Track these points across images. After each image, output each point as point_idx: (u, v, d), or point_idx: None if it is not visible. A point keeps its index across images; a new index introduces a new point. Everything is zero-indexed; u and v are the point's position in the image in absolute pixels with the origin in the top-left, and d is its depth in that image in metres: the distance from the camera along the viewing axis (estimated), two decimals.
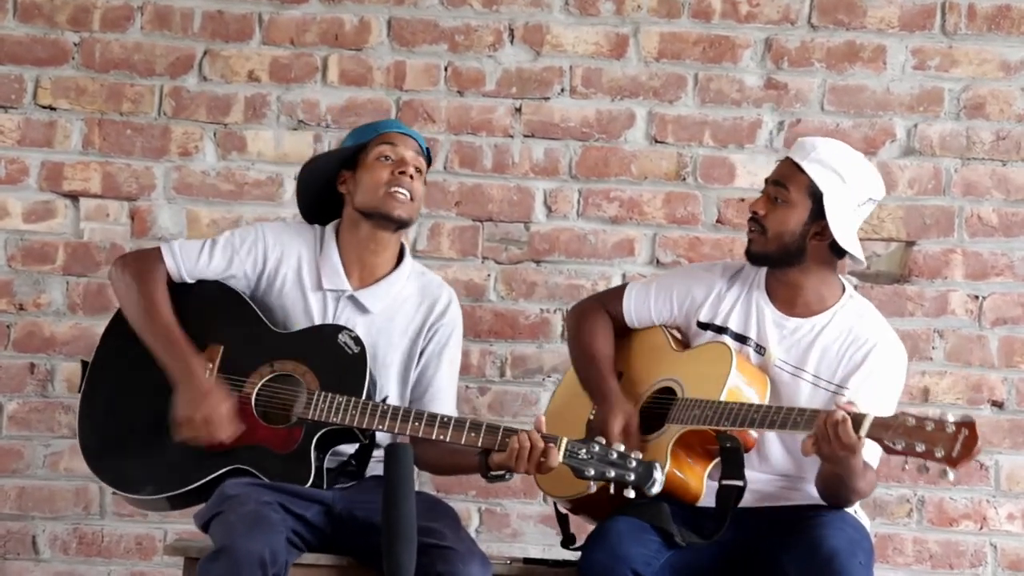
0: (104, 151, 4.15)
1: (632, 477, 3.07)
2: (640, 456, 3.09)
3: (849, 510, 3.31)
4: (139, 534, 4.07)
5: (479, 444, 3.16)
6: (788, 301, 3.34)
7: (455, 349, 3.46)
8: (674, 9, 4.15)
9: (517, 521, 4.07)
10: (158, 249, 3.39)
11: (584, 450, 3.09)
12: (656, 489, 3.07)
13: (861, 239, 3.32)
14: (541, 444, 3.10)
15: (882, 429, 2.99)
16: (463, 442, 3.17)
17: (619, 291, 3.52)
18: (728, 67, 4.15)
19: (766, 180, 3.34)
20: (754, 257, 3.34)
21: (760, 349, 3.33)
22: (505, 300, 4.13)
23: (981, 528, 4.04)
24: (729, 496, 3.20)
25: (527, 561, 3.49)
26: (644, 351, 3.45)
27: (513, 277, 4.13)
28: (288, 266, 3.40)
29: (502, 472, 3.18)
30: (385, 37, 4.17)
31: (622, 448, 3.10)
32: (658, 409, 3.33)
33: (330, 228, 3.45)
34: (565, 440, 3.10)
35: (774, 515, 3.27)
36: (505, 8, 4.16)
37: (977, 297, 4.09)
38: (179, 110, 4.15)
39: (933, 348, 4.08)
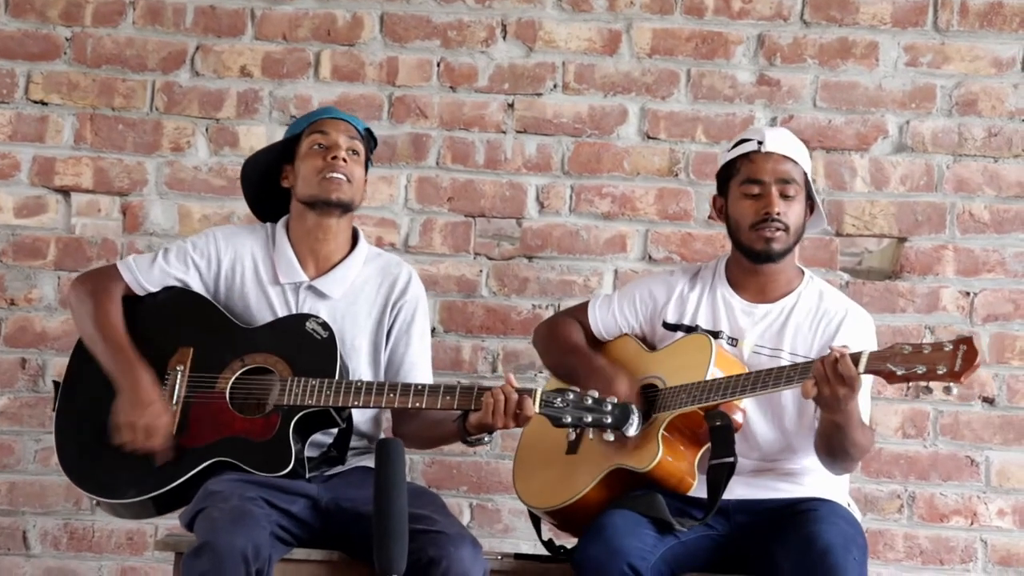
0: (96, 146, 4.15)
1: (610, 420, 3.10)
2: (616, 400, 3.12)
3: (842, 503, 3.32)
4: (130, 529, 4.06)
5: (455, 406, 3.19)
6: (757, 290, 3.40)
7: (423, 323, 3.49)
8: (667, 5, 4.15)
9: (508, 517, 4.07)
10: (115, 266, 3.44)
11: (559, 399, 3.13)
12: (634, 430, 3.11)
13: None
14: (515, 396, 3.13)
15: (880, 360, 3.03)
16: (439, 406, 3.19)
17: (583, 307, 3.57)
18: (721, 63, 4.15)
19: (763, 181, 3.35)
20: (778, 255, 3.37)
21: (732, 341, 3.37)
22: (497, 296, 4.13)
23: (971, 524, 4.05)
24: (720, 474, 3.21)
25: (518, 556, 3.50)
26: (619, 359, 3.46)
27: (505, 273, 4.13)
28: (243, 265, 3.43)
29: (481, 435, 3.20)
30: (378, 32, 4.17)
31: (596, 394, 3.12)
32: (642, 405, 3.34)
33: (280, 223, 3.49)
34: (539, 390, 3.14)
35: (768, 509, 3.28)
36: (498, 4, 4.16)
37: (968, 293, 4.10)
38: (171, 105, 4.15)
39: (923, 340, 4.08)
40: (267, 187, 3.49)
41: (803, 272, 3.46)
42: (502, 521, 4.08)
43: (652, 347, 3.44)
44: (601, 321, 3.51)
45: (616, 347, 3.49)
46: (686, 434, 3.26)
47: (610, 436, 3.11)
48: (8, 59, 4.15)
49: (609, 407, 3.11)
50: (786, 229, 3.34)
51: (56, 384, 3.42)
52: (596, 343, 3.51)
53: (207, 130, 4.16)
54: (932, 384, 2.98)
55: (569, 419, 3.10)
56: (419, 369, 3.45)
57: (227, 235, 3.48)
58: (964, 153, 4.13)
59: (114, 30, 4.16)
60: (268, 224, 3.51)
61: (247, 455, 3.22)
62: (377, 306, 3.44)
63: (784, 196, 3.34)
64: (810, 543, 3.09)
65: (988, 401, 4.08)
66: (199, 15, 4.16)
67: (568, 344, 3.49)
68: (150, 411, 3.25)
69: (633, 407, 3.11)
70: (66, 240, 4.14)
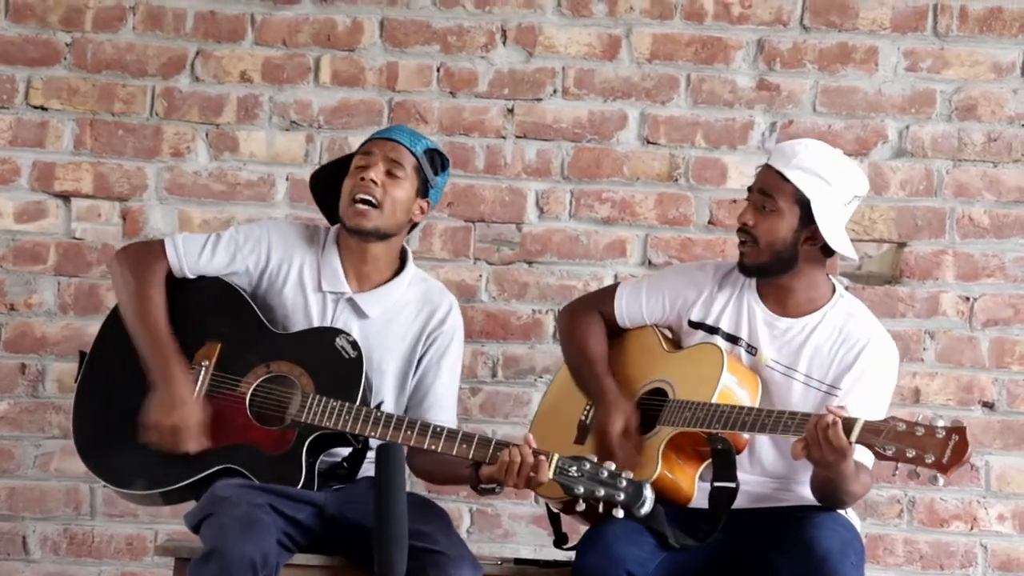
0: (96, 151, 4.15)
1: (622, 497, 3.05)
2: (631, 476, 3.07)
3: (840, 510, 3.32)
4: (129, 534, 4.06)
5: (470, 456, 3.14)
6: (779, 302, 3.34)
7: (455, 357, 3.43)
8: (667, 10, 4.16)
9: (508, 521, 4.07)
10: (161, 242, 3.38)
11: (575, 467, 3.08)
12: (646, 510, 3.06)
13: (852, 240, 3.32)
14: (531, 459, 3.08)
15: (872, 434, 2.99)
16: (454, 453, 3.15)
17: (610, 291, 3.51)
18: (720, 68, 4.15)
19: (749, 189, 3.33)
20: (748, 269, 3.33)
21: (751, 349, 3.33)
22: (497, 301, 4.13)
23: (971, 529, 4.05)
24: (722, 498, 3.20)
25: (518, 562, 3.49)
26: (635, 351, 3.45)
27: (505, 278, 4.14)
28: (291, 265, 3.39)
29: (492, 485, 3.16)
30: (378, 38, 4.17)
31: (613, 467, 3.08)
32: (649, 410, 3.33)
33: (334, 231, 3.43)
34: (556, 456, 3.08)
35: (766, 516, 3.27)
36: (498, 9, 4.16)
37: (968, 298, 4.10)
38: (171, 110, 4.15)
39: (924, 349, 4.09)
40: (335, 197, 3.41)
41: (835, 288, 3.38)
42: (502, 526, 4.08)
43: (675, 339, 3.42)
44: (627, 311, 3.46)
45: (635, 338, 3.46)
46: (687, 450, 3.24)
47: (620, 513, 3.06)
48: (8, 64, 4.15)
49: (623, 483, 3.06)
50: (754, 241, 3.28)
51: (82, 354, 3.38)
52: (617, 330, 3.48)
53: (207, 135, 4.16)
54: (919, 470, 2.94)
55: (582, 490, 3.06)
56: (444, 403, 3.39)
57: (281, 233, 3.42)
58: (964, 158, 4.13)
59: (114, 35, 4.16)
60: (325, 228, 3.46)
61: (257, 467, 3.20)
62: (412, 332, 3.39)
63: (760, 208, 3.28)
64: (809, 549, 3.09)
65: (988, 406, 4.08)
66: (199, 20, 4.16)
67: (584, 351, 3.45)
68: (181, 413, 3.21)
69: (647, 487, 3.06)
70: (66, 245, 4.14)
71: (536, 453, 3.08)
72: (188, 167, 4.15)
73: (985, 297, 4.10)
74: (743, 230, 3.30)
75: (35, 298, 4.12)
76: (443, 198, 4.12)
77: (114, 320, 3.39)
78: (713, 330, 3.36)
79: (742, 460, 3.25)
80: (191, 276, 3.37)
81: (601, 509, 3.07)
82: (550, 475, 3.07)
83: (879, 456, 2.99)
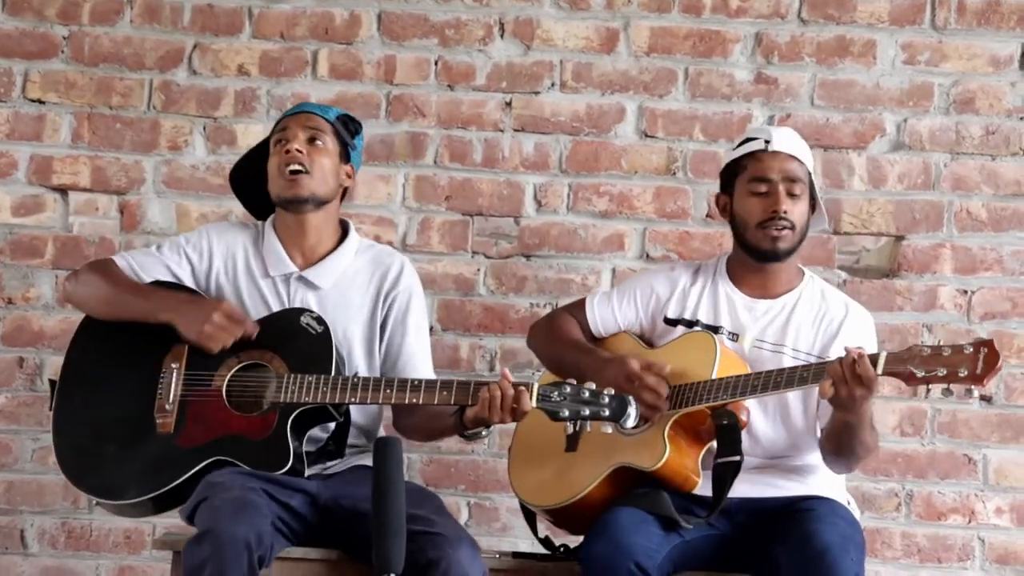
0: (93, 145, 4.14)
1: (607, 412, 3.09)
2: (613, 392, 3.10)
3: (842, 501, 3.32)
4: (127, 528, 4.06)
5: (452, 401, 3.18)
6: (759, 286, 3.41)
7: (418, 314, 3.47)
8: (664, 4, 4.15)
9: (506, 515, 4.07)
10: (110, 258, 3.46)
11: (556, 392, 3.12)
12: (631, 422, 3.10)
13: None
14: (512, 390, 3.12)
15: (899, 362, 3.03)
16: (436, 402, 3.19)
17: (580, 303, 3.56)
18: (718, 61, 4.15)
19: (770, 179, 3.35)
20: (784, 254, 3.38)
21: (733, 336, 3.37)
22: (495, 294, 4.13)
23: (969, 522, 4.05)
24: (726, 472, 3.22)
25: (516, 555, 3.50)
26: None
27: (503, 271, 4.13)
28: (235, 260, 3.44)
29: (478, 429, 3.19)
30: (375, 31, 4.17)
31: (593, 386, 3.11)
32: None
33: (268, 220, 3.49)
34: (536, 384, 3.13)
35: (769, 508, 3.28)
36: (496, 2, 4.16)
37: (966, 292, 4.10)
38: (169, 104, 4.15)
39: (922, 342, 4.08)
40: (260, 189, 3.48)
41: (803, 271, 3.47)
42: (500, 519, 4.08)
43: (650, 343, 3.44)
44: (600, 318, 3.50)
45: (613, 345, 3.48)
46: (690, 432, 3.26)
47: (608, 428, 3.11)
48: (5, 58, 4.14)
49: (606, 399, 3.10)
50: (792, 228, 3.35)
51: (52, 383, 3.41)
52: (593, 341, 3.51)
53: (205, 129, 4.16)
54: (953, 387, 2.96)
55: (566, 412, 3.10)
56: (417, 360, 3.43)
57: (220, 231, 3.48)
58: (961, 151, 4.13)
59: (111, 29, 4.15)
60: (259, 222, 3.52)
61: (245, 454, 3.22)
62: (370, 296, 3.43)
63: (790, 195, 3.35)
64: (809, 542, 3.10)
65: (986, 399, 4.08)
66: (197, 14, 4.16)
67: (568, 339, 3.48)
68: (214, 305, 3.29)
69: (630, 398, 3.10)
70: (64, 239, 4.13)
71: (516, 385, 3.12)
72: (186, 160, 4.15)
73: (983, 290, 4.10)
74: (782, 218, 3.34)
75: (33, 292, 4.12)
76: (439, 192, 4.13)
77: (76, 342, 3.43)
78: (692, 324, 3.39)
79: (743, 442, 3.25)
80: (147, 279, 3.40)
81: (589, 428, 3.11)
82: (533, 403, 3.11)
83: (911, 380, 3.01)
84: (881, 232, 4.12)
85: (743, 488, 3.26)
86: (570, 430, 3.16)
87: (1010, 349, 4.08)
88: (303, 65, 4.16)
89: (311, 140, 3.40)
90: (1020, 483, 4.05)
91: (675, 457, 3.22)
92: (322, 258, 3.43)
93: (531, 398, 3.12)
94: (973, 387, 2.95)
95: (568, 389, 3.12)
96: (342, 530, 3.22)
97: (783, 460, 3.34)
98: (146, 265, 3.42)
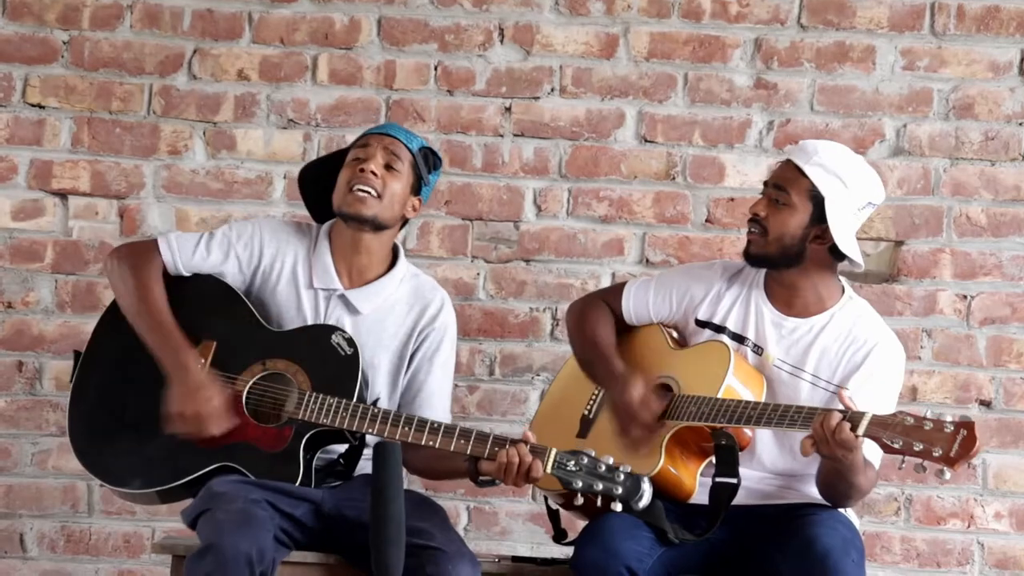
0: (93, 149, 4.15)
1: (620, 491, 3.05)
2: (629, 469, 3.07)
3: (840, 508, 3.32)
4: (127, 532, 4.06)
5: (468, 451, 3.15)
6: (787, 302, 3.35)
7: (447, 354, 3.44)
8: (664, 9, 4.16)
9: (506, 519, 4.07)
10: (154, 241, 3.39)
11: (572, 462, 3.08)
12: (643, 504, 3.06)
13: None
14: (529, 459, 3.09)
15: (880, 428, 3.00)
16: (452, 449, 3.16)
17: (618, 288, 3.52)
18: (718, 67, 4.15)
19: (765, 183, 3.35)
20: (753, 258, 3.34)
21: (758, 349, 3.33)
22: (495, 299, 4.13)
23: (968, 527, 4.05)
24: (723, 494, 3.21)
25: (516, 559, 3.50)
26: (641, 349, 3.45)
27: (503, 276, 4.14)
28: (283, 263, 3.40)
29: (491, 478, 3.17)
30: (375, 36, 4.17)
31: (611, 460, 3.08)
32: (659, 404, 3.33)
33: (325, 227, 3.44)
34: (554, 451, 3.09)
35: (767, 513, 3.28)
36: (495, 8, 4.16)
37: (965, 297, 4.10)
38: (168, 109, 4.15)
39: (921, 348, 4.09)
40: (325, 193, 3.43)
41: (843, 290, 3.39)
42: (499, 524, 4.08)
43: (681, 339, 3.43)
44: (634, 308, 3.47)
45: (641, 336, 3.46)
46: (691, 445, 3.25)
47: (617, 506, 3.07)
48: (5, 62, 4.14)
49: (621, 477, 3.06)
50: (763, 232, 3.29)
51: (76, 354, 3.38)
52: (623, 328, 3.48)
53: (204, 133, 4.16)
54: (926, 464, 2.95)
55: (580, 484, 3.06)
56: (436, 399, 3.40)
57: (273, 230, 3.43)
58: (961, 157, 4.13)
59: (111, 33, 4.16)
60: (316, 226, 3.47)
61: (255, 464, 3.20)
62: (405, 328, 3.40)
63: (774, 200, 3.30)
64: (809, 547, 3.09)
65: (985, 404, 4.08)
66: (196, 19, 4.16)
67: (593, 338, 3.45)
68: (200, 397, 3.21)
69: (645, 480, 3.07)
70: (63, 243, 4.14)
71: (534, 450, 3.09)
72: (185, 165, 4.15)
73: (982, 296, 4.10)
74: (754, 220, 3.31)
75: (32, 296, 4.12)
76: (439, 196, 4.13)
77: (108, 319, 3.39)
78: (720, 328, 3.36)
79: (744, 457, 3.25)
80: (186, 273, 3.37)
81: (600, 503, 3.08)
82: (548, 470, 3.08)
83: (886, 449, 2.99)
84: (880, 237, 4.12)
85: (741, 496, 3.24)
86: (580, 501, 3.11)
87: (1009, 354, 4.08)
88: (303, 70, 4.16)
89: (388, 166, 3.36)
90: (1019, 488, 4.05)
91: (670, 468, 3.21)
92: (368, 282, 3.39)
93: (547, 464, 3.08)
94: (944, 468, 2.92)
95: (585, 461, 3.07)
96: (345, 538, 3.21)
97: (784, 477, 3.32)
98: (190, 263, 3.36)
